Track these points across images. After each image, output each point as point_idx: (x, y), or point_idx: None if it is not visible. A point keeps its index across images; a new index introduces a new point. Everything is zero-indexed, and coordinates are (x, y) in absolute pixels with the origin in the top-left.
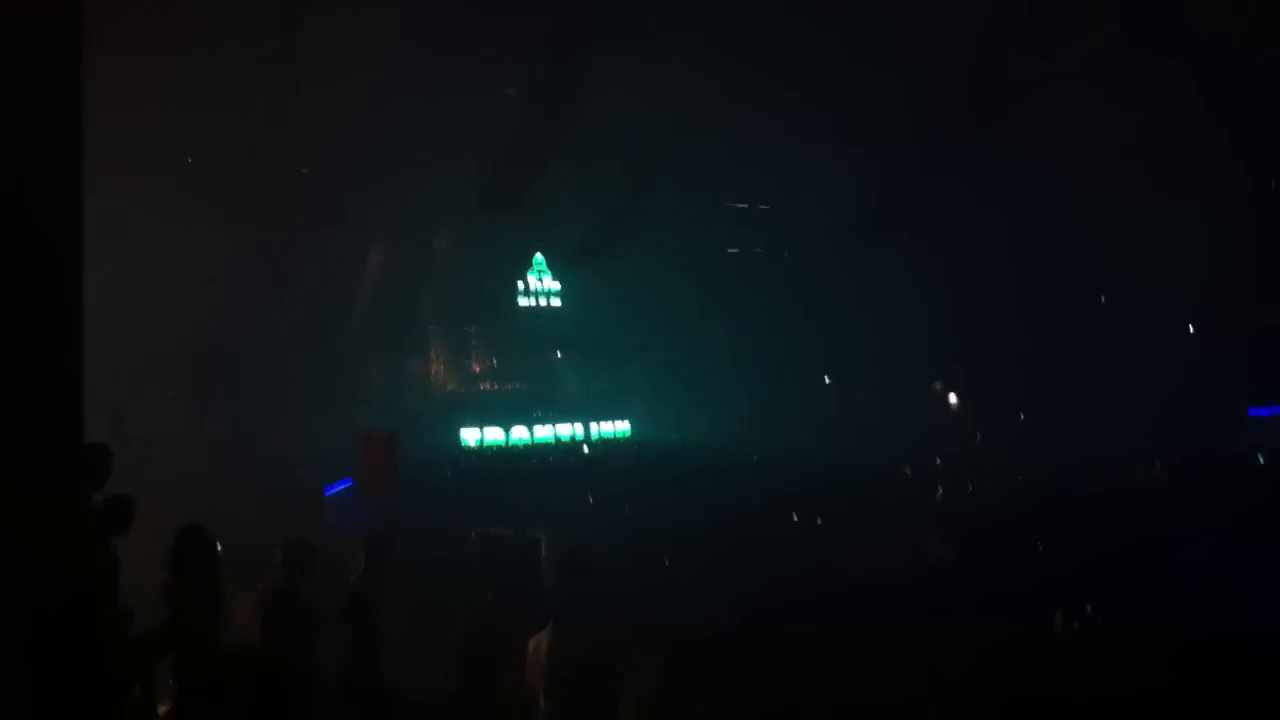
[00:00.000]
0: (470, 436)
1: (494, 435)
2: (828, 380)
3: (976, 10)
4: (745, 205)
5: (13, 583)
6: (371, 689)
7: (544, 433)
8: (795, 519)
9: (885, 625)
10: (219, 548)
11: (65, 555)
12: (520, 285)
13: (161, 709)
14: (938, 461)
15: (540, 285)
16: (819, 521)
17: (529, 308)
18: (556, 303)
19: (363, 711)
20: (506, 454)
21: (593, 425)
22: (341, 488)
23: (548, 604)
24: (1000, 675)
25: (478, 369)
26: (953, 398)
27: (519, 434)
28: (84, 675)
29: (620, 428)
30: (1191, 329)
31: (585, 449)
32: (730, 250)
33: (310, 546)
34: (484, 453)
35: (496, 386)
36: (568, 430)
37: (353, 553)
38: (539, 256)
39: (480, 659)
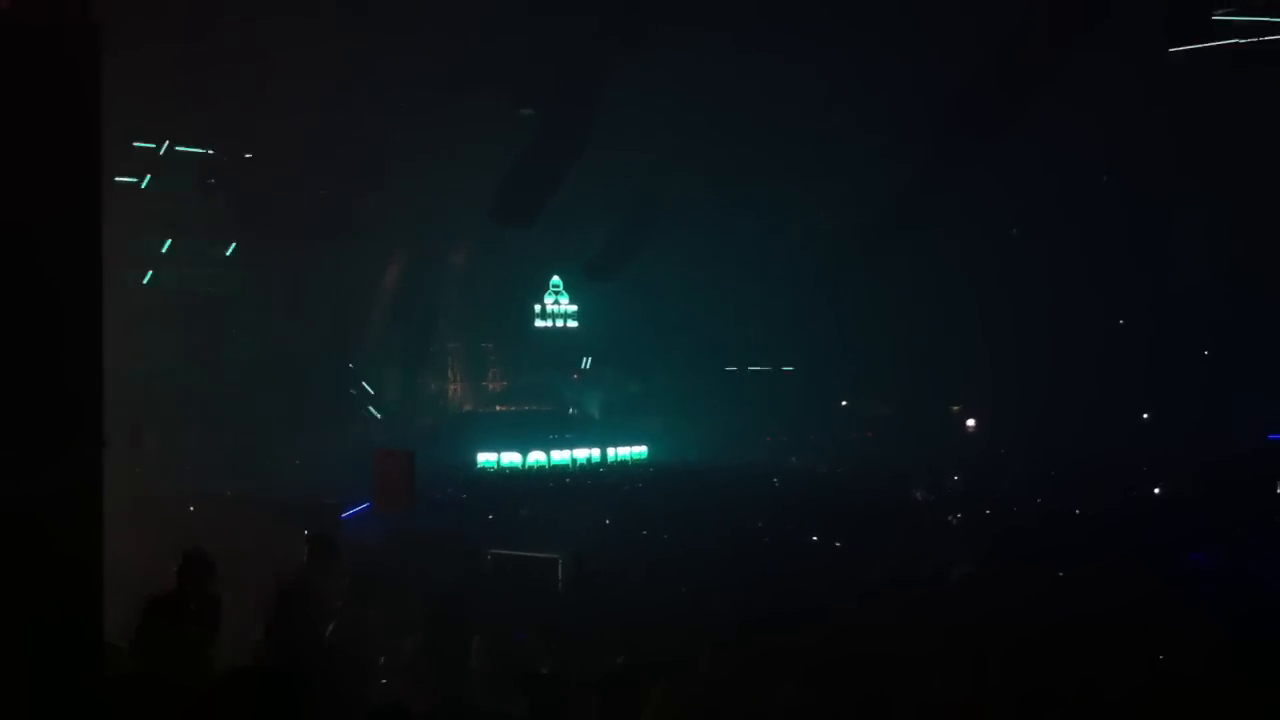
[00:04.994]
0: (487, 458)
1: (511, 457)
2: (845, 403)
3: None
4: (761, 224)
5: (18, 583)
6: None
7: (561, 455)
8: (813, 540)
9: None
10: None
11: (70, 559)
12: (537, 307)
13: None
14: (955, 478)
15: (557, 307)
16: (837, 544)
17: (546, 329)
18: (573, 324)
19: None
20: (523, 476)
21: (609, 449)
22: (358, 510)
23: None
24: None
25: (494, 390)
26: (970, 421)
27: (536, 456)
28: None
29: (637, 450)
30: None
31: (601, 471)
32: (744, 273)
33: (333, 542)
34: (501, 474)
35: (513, 408)
36: (584, 453)
37: (368, 567)
38: (556, 279)
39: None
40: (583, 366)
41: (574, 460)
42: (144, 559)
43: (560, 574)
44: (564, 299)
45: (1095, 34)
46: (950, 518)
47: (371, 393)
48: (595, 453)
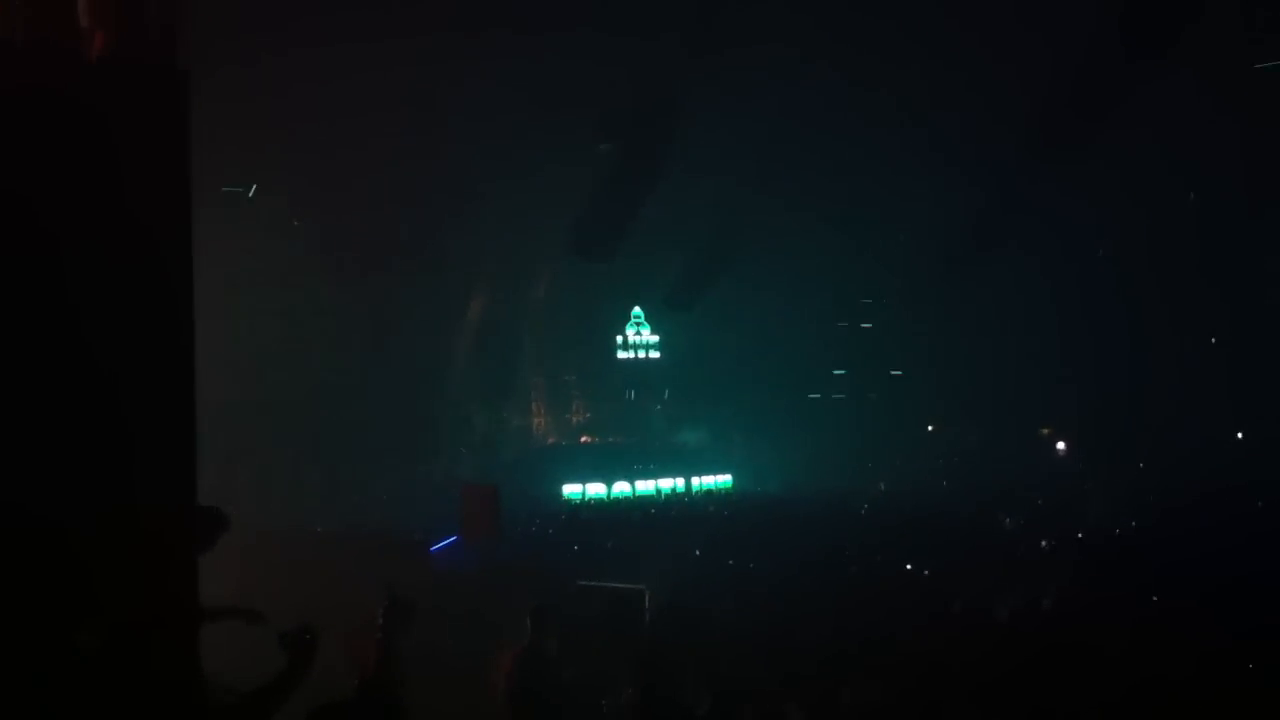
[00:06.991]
0: (572, 489)
1: (595, 489)
2: (930, 428)
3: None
4: (841, 250)
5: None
6: None
7: (645, 486)
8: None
9: None
10: None
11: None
12: (619, 338)
13: None
14: (1039, 503)
15: (639, 338)
16: (925, 572)
17: (628, 360)
18: (655, 355)
19: None
20: (609, 507)
21: (693, 479)
22: (446, 544)
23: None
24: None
25: (578, 421)
26: (1060, 444)
27: (621, 487)
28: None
29: (721, 479)
30: None
31: (686, 501)
32: (825, 299)
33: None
34: (586, 505)
35: (597, 439)
36: (669, 483)
37: (457, 601)
38: (637, 310)
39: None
40: (665, 397)
41: (659, 490)
42: (241, 595)
43: (647, 604)
44: (645, 329)
45: (1174, 50)
46: (1040, 543)
47: (456, 426)
48: (680, 482)
